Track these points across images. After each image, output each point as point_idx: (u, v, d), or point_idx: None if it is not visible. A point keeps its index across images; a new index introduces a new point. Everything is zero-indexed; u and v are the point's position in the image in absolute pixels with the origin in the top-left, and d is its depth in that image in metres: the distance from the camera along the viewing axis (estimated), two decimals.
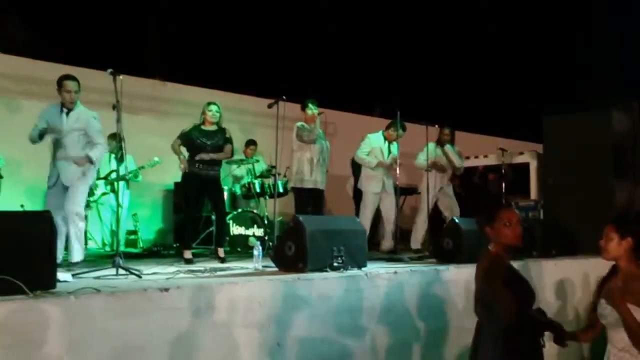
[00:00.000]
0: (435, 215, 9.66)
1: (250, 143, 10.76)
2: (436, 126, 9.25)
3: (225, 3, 13.70)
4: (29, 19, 11.15)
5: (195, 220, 8.40)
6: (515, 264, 6.73)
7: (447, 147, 9.61)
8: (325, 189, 8.73)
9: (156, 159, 9.59)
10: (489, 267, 3.82)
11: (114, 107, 5.94)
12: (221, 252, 7.54)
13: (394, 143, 9.15)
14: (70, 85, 6.65)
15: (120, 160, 6.89)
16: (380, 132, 9.29)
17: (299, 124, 8.51)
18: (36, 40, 10.92)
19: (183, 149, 7.56)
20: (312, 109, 8.51)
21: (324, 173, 8.61)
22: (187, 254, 7.24)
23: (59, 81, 6.69)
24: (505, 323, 3.64)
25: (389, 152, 9.18)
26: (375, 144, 9.20)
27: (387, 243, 9.03)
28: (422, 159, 9.33)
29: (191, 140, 7.47)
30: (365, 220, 8.81)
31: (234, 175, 10.71)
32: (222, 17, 13.74)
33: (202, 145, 7.42)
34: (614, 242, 3.79)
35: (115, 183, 8.75)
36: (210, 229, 9.09)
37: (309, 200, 8.50)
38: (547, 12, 17.26)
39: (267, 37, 14.00)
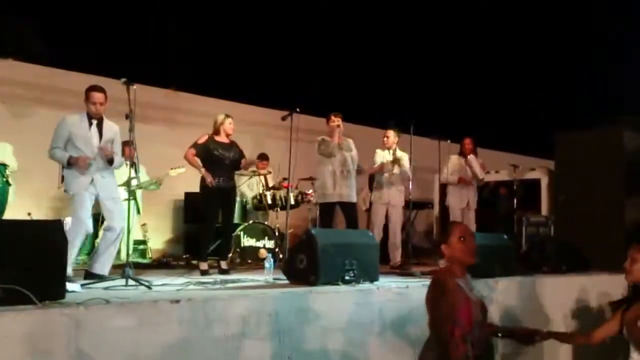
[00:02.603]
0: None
1: (263, 158, 10.64)
2: (448, 141, 9.18)
3: (239, 14, 13.72)
4: (42, 27, 11.17)
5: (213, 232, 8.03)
6: (524, 280, 6.81)
7: (470, 157, 9.70)
8: (355, 201, 8.59)
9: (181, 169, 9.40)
10: (432, 287, 3.67)
11: (127, 117, 5.92)
12: (224, 264, 7.50)
13: (403, 154, 9.08)
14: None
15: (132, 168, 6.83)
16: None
17: (319, 137, 8.47)
18: (49, 48, 10.93)
19: (196, 159, 7.40)
20: (333, 121, 8.45)
21: (351, 186, 8.42)
22: (204, 266, 7.23)
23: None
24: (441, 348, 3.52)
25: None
26: (381, 157, 9.16)
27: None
28: (446, 173, 9.44)
29: (209, 152, 7.34)
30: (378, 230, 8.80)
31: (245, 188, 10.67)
32: (236, 28, 13.75)
33: (221, 157, 7.34)
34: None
35: (133, 191, 8.68)
36: (219, 241, 9.05)
37: (334, 214, 8.37)
38: (561, 29, 17.23)
39: (282, 49, 14.00)
